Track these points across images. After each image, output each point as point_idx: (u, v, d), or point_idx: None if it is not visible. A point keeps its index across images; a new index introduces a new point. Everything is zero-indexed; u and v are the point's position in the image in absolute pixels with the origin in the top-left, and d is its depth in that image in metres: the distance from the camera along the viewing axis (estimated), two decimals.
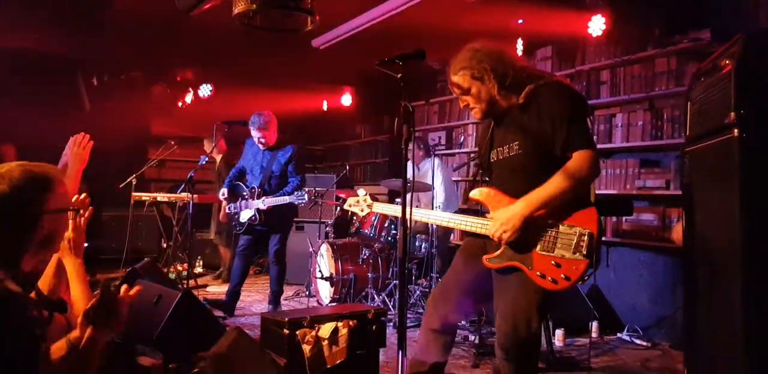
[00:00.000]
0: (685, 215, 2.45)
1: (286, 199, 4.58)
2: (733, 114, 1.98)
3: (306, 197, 4.52)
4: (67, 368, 1.59)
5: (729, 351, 1.96)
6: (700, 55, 4.11)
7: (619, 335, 4.39)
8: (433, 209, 5.06)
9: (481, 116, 2.45)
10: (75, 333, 1.58)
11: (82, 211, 1.78)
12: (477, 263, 2.38)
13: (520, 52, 5.50)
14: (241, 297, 4.98)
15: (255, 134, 4.82)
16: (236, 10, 3.35)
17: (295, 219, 5.25)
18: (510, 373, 2.28)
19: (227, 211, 5.04)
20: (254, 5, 3.26)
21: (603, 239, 4.77)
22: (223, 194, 4.99)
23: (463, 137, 6.55)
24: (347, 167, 6.35)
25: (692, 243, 2.40)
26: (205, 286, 6.14)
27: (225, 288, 6.04)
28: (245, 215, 4.83)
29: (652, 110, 4.58)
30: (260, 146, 4.88)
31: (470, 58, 2.35)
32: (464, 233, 2.60)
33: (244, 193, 4.87)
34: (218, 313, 4.66)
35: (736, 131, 1.96)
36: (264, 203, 4.67)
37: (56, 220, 1.61)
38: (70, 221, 1.77)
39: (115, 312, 1.58)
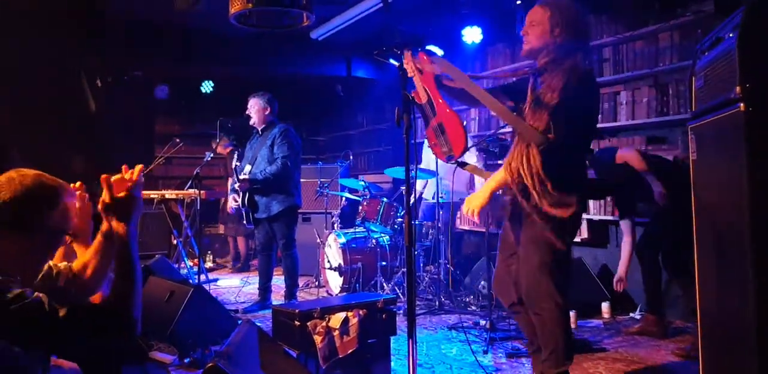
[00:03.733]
0: (693, 191, 2.42)
1: (267, 171, 4.58)
2: (738, 88, 1.94)
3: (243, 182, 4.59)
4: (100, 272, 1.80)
5: (741, 327, 1.95)
6: (704, 28, 4.05)
7: (631, 314, 4.38)
8: (438, 193, 5.03)
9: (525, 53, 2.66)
10: (104, 226, 1.74)
11: (72, 236, 1.77)
12: None
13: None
14: (250, 290, 4.98)
15: (248, 105, 4.85)
16: (233, 10, 3.36)
17: (300, 210, 5.11)
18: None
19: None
20: (250, 4, 3.25)
21: (611, 218, 4.78)
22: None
23: (466, 122, 6.50)
24: (351, 157, 6.33)
25: (700, 220, 2.37)
26: (216, 280, 6.17)
27: (236, 281, 6.09)
28: (232, 201, 4.92)
29: (657, 86, 4.53)
30: (250, 122, 4.86)
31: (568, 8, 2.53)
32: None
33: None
34: (230, 307, 4.68)
35: (741, 105, 1.93)
36: (240, 181, 4.62)
37: (53, 236, 1.61)
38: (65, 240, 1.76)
39: (129, 200, 1.63)
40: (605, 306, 4.38)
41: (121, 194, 1.63)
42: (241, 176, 4.63)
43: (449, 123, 2.73)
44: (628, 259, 3.98)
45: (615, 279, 4.04)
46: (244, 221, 4.89)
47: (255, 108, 4.81)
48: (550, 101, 2.42)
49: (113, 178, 1.68)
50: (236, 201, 4.81)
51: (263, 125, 4.84)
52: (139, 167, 1.70)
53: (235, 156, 5.91)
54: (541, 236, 2.50)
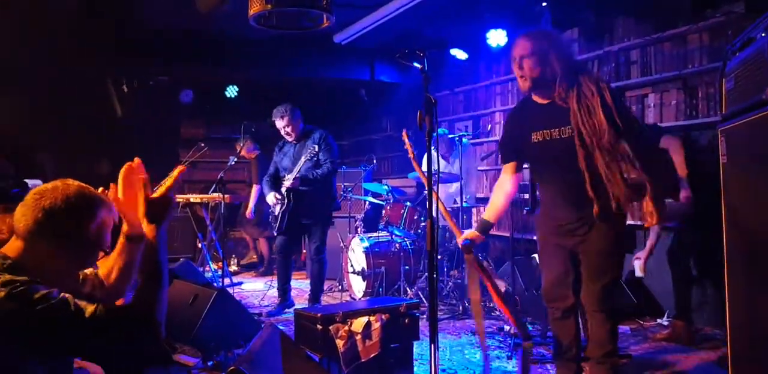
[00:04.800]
0: (723, 195, 2.36)
1: (317, 172, 4.60)
2: None
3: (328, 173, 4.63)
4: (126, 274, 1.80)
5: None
6: (734, 29, 3.96)
7: (659, 321, 4.29)
8: (462, 198, 5.00)
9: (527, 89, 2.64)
10: (125, 228, 1.77)
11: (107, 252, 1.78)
12: None
13: (547, 25, 5.38)
14: (273, 294, 4.99)
15: (279, 124, 4.76)
16: (252, 11, 3.36)
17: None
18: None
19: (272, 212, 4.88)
20: (269, 5, 3.25)
21: (640, 222, 4.67)
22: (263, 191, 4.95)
23: (490, 126, 6.46)
24: (374, 161, 6.33)
25: (731, 224, 2.31)
26: (240, 284, 6.20)
27: (260, 285, 6.11)
28: (278, 208, 4.77)
29: (686, 89, 4.44)
30: (288, 138, 4.82)
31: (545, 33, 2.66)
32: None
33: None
34: (254, 311, 4.69)
35: None
36: (289, 180, 4.60)
37: (87, 248, 1.62)
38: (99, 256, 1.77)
39: (166, 204, 1.62)
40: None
41: (158, 194, 1.61)
42: (290, 176, 4.65)
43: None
44: (651, 245, 3.83)
45: (633, 258, 3.92)
46: (276, 227, 4.79)
47: (290, 126, 4.76)
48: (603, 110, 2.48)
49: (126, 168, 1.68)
50: (279, 203, 4.74)
51: (300, 133, 4.85)
52: (180, 168, 1.68)
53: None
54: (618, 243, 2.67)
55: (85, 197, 1.59)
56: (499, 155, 2.94)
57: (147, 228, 1.60)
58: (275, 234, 4.92)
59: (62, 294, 1.44)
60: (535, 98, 2.69)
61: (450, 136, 5.38)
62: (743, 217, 2.21)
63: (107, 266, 1.85)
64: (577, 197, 2.55)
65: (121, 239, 1.81)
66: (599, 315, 2.69)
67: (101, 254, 1.69)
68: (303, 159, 4.58)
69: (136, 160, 1.74)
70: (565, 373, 2.78)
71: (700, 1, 4.34)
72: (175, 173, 1.66)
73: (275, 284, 5.01)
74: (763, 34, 2.02)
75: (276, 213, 4.78)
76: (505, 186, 2.83)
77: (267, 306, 5.05)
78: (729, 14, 4.10)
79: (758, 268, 2.05)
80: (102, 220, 1.62)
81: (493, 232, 5.97)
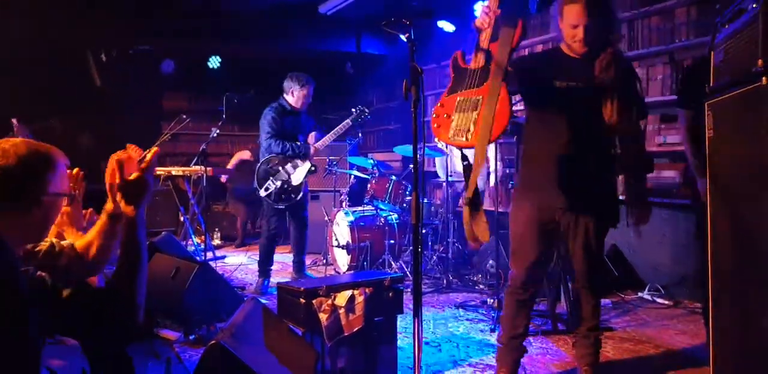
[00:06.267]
0: (709, 169, 2.35)
1: (348, 122, 4.78)
2: (761, 61, 1.86)
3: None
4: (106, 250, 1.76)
5: (758, 305, 1.90)
6: (722, 3, 3.92)
7: (640, 294, 4.35)
8: (447, 171, 4.97)
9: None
10: (109, 206, 1.73)
11: (76, 194, 1.72)
12: None
13: (534, 9, 5.32)
14: (257, 268, 4.94)
15: (302, 91, 4.74)
16: None
17: (309, 188, 5.10)
18: None
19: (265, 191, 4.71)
20: None
21: (623, 197, 4.70)
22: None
23: None
24: (360, 135, 6.27)
25: (716, 197, 2.31)
26: (223, 258, 6.17)
27: (242, 257, 6.09)
28: (300, 174, 4.69)
29: (672, 63, 4.42)
30: (296, 106, 4.77)
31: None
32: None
33: (288, 153, 4.68)
34: (236, 284, 4.68)
35: (764, 79, 1.85)
36: (316, 143, 4.70)
37: (54, 202, 1.56)
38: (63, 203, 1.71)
39: (142, 186, 1.59)
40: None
41: (133, 177, 1.58)
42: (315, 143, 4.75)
43: (499, 105, 2.17)
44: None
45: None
46: (283, 201, 4.69)
47: (310, 96, 4.81)
48: None
49: (119, 155, 1.63)
50: (315, 170, 4.75)
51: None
52: (154, 149, 1.64)
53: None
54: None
55: (38, 153, 1.52)
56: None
57: (126, 210, 1.57)
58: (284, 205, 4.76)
59: (39, 273, 1.40)
60: (567, 51, 2.61)
61: None
62: (728, 190, 2.21)
63: (86, 240, 1.80)
64: (575, 164, 2.54)
65: (103, 217, 1.77)
66: (587, 292, 2.71)
67: (66, 201, 1.64)
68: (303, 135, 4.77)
69: (132, 147, 1.68)
70: (511, 355, 2.76)
71: None
72: (149, 155, 1.62)
73: (258, 257, 4.95)
74: (754, 5, 1.98)
75: (296, 182, 4.69)
76: None
77: (251, 283, 5.01)
78: None
79: (742, 243, 2.05)
80: (54, 170, 1.56)
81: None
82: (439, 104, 2.37)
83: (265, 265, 4.77)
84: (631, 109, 2.53)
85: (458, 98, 2.32)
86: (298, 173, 4.69)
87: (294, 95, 4.75)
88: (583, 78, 2.53)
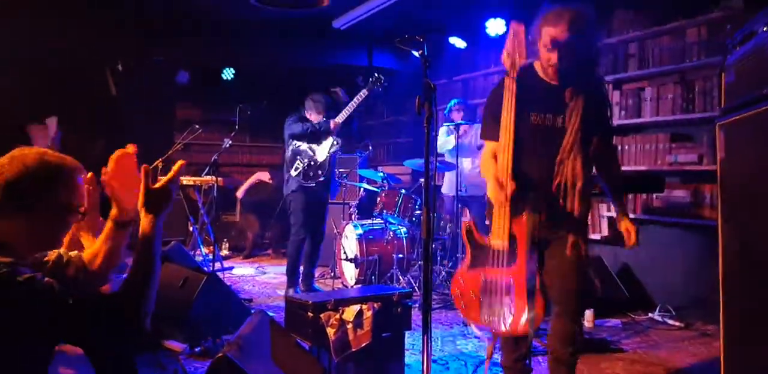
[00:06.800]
0: (721, 190, 2.35)
1: (364, 92, 4.75)
2: None
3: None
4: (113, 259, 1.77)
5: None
6: (733, 24, 3.94)
7: (650, 315, 4.31)
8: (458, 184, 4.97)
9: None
10: (113, 212, 1.73)
11: (84, 211, 1.72)
12: None
13: None
14: (264, 279, 4.98)
15: (324, 105, 4.90)
16: None
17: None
18: None
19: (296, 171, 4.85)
20: None
21: (633, 216, 4.70)
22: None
23: None
24: (370, 147, 6.29)
25: (728, 220, 2.30)
26: (231, 269, 6.18)
27: (250, 269, 6.10)
28: (324, 150, 4.84)
29: (683, 83, 4.42)
30: (319, 117, 4.89)
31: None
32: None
33: (309, 130, 4.81)
34: (244, 296, 4.68)
35: None
36: (335, 118, 4.80)
37: (62, 214, 1.56)
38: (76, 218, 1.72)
39: (165, 195, 1.58)
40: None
41: (158, 185, 1.57)
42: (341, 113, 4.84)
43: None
44: None
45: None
46: (311, 178, 4.84)
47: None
48: None
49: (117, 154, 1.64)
50: (337, 144, 4.87)
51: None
52: (180, 162, 1.63)
53: None
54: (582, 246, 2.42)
55: (44, 164, 1.52)
56: (484, 130, 2.57)
57: (145, 219, 1.56)
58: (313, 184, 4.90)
59: (46, 279, 1.42)
60: (541, 74, 2.47)
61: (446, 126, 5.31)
62: (740, 212, 2.20)
63: (92, 250, 1.81)
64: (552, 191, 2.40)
65: (108, 224, 1.78)
66: (570, 315, 2.51)
67: (77, 217, 1.63)
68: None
69: (131, 146, 1.69)
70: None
71: None
72: (176, 166, 1.63)
73: (267, 269, 4.99)
74: (764, 29, 1.99)
75: (321, 159, 4.85)
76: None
77: (259, 292, 5.03)
78: (728, 9, 4.07)
79: (753, 264, 2.05)
80: (71, 182, 1.57)
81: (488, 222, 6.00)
82: (459, 279, 2.29)
83: (294, 276, 4.85)
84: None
85: (484, 278, 2.24)
86: (321, 148, 4.83)
87: (312, 118, 4.92)
88: (557, 108, 2.41)
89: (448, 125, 5.20)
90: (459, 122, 5.10)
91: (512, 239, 2.19)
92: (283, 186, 4.95)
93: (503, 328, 2.17)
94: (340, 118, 4.83)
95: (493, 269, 2.20)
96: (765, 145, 1.90)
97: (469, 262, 2.30)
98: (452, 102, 5.40)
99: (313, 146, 4.85)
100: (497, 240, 2.21)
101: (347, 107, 4.81)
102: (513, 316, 2.13)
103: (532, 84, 2.46)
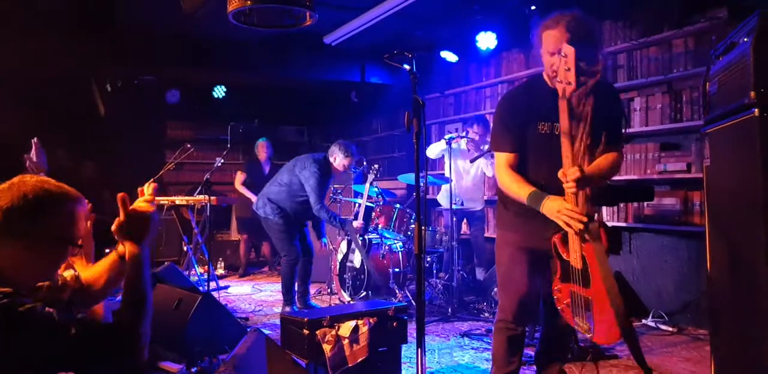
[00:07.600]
0: (707, 197, 2.38)
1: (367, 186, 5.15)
2: (752, 93, 1.90)
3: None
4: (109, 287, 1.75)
5: (756, 332, 1.90)
6: (718, 34, 4.00)
7: (644, 321, 4.32)
8: (452, 199, 4.99)
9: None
10: (121, 248, 1.67)
11: (81, 244, 1.71)
12: None
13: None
14: (261, 298, 4.98)
15: (348, 162, 4.92)
16: (230, 7, 3.21)
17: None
18: None
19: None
20: (249, 2, 3.15)
21: (625, 225, 4.72)
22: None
23: None
24: (365, 163, 6.31)
25: (714, 225, 2.33)
26: (227, 288, 6.16)
27: (247, 288, 6.08)
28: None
29: (671, 93, 4.48)
30: (338, 169, 4.96)
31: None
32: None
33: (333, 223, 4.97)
34: (240, 315, 4.67)
35: (756, 110, 1.89)
36: (355, 223, 5.09)
37: (57, 246, 1.54)
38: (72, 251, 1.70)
39: (145, 220, 1.57)
40: None
41: (132, 209, 1.56)
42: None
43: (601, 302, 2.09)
44: None
45: None
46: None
47: (351, 167, 5.05)
48: None
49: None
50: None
51: None
52: (152, 185, 1.63)
53: None
54: None
55: (43, 193, 1.50)
56: (495, 141, 2.51)
57: (128, 247, 1.54)
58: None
59: (47, 309, 1.41)
60: (548, 82, 2.40)
61: (448, 136, 5.27)
62: (725, 218, 2.23)
63: (94, 274, 1.80)
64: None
65: (114, 256, 1.76)
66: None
67: (74, 249, 1.60)
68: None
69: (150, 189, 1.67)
70: None
71: (686, 7, 4.38)
72: (149, 189, 1.61)
73: (263, 287, 4.98)
74: (745, 39, 2.03)
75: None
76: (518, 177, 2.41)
77: (255, 310, 5.02)
78: (713, 20, 4.14)
79: (739, 270, 2.07)
80: (68, 213, 1.54)
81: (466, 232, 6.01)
82: (556, 288, 2.34)
83: (289, 294, 4.85)
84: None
85: (571, 290, 2.26)
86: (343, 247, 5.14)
87: (336, 161, 4.90)
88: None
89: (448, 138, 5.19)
90: (458, 134, 5.24)
91: (584, 261, 2.17)
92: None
93: (589, 336, 2.19)
94: (359, 224, 5.04)
95: (576, 286, 2.20)
96: (747, 153, 1.94)
97: (560, 275, 2.31)
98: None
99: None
100: (574, 260, 2.22)
101: (361, 210, 5.06)
102: (595, 330, 2.13)
103: (540, 93, 2.43)
